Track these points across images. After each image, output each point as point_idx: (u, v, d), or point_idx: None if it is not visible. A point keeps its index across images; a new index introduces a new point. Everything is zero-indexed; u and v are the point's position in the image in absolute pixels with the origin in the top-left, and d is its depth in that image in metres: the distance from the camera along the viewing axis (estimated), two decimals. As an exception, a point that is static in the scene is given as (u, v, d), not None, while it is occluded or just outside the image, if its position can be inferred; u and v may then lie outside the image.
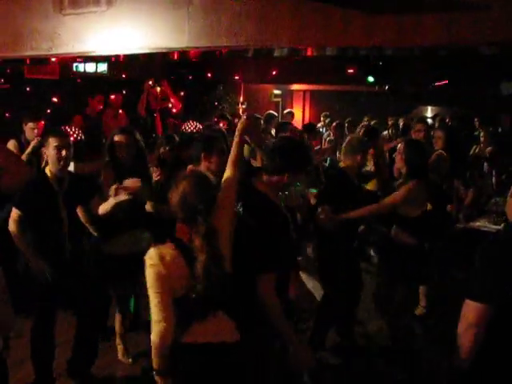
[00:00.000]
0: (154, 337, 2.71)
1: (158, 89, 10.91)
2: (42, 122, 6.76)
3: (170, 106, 11.19)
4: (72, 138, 7.44)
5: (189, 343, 2.79)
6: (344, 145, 5.21)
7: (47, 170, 4.38)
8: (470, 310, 2.48)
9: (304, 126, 9.41)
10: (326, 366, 4.99)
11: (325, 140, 10.50)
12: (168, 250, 2.76)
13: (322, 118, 12.68)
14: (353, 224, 4.98)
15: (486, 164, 8.18)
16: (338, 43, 4.46)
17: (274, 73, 11.80)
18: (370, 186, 6.22)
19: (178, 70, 11.02)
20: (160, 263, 2.70)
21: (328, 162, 9.46)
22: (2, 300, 2.59)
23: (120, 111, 9.82)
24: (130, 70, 10.56)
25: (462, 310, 2.52)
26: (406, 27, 4.09)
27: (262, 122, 10.15)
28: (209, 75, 11.70)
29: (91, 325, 4.56)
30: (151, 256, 2.74)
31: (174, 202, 2.85)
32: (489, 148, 8.39)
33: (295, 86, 16.10)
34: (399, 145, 5.15)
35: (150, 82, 10.87)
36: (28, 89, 9.22)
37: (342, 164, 5.15)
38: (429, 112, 15.62)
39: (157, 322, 2.70)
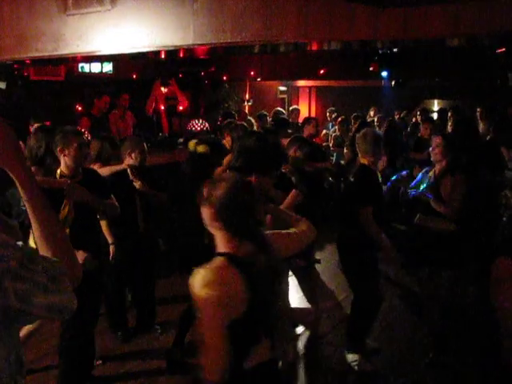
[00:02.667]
0: (210, 376, 2.24)
1: (163, 88, 10.92)
2: (49, 123, 6.77)
3: (176, 104, 11.21)
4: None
5: (251, 368, 2.40)
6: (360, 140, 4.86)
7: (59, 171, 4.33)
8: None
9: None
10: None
11: (331, 136, 10.49)
12: (225, 268, 2.27)
13: (327, 114, 12.64)
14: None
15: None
16: (344, 37, 4.45)
17: (278, 69, 11.78)
18: None
19: (183, 68, 11.01)
20: (221, 288, 2.20)
21: (335, 156, 9.47)
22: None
23: (127, 111, 9.83)
24: (136, 70, 10.57)
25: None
26: (412, 20, 4.07)
27: (268, 119, 10.18)
28: (214, 73, 11.70)
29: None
30: (208, 281, 2.21)
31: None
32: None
33: (301, 83, 16.07)
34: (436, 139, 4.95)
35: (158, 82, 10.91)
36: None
37: (362, 160, 4.64)
38: (435, 106, 15.57)
39: (214, 360, 2.23)
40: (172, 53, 5.81)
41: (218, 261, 2.29)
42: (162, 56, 6.12)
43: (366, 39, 4.40)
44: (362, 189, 4.49)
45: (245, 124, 6.75)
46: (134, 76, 10.75)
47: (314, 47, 4.92)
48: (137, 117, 10.19)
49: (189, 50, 5.26)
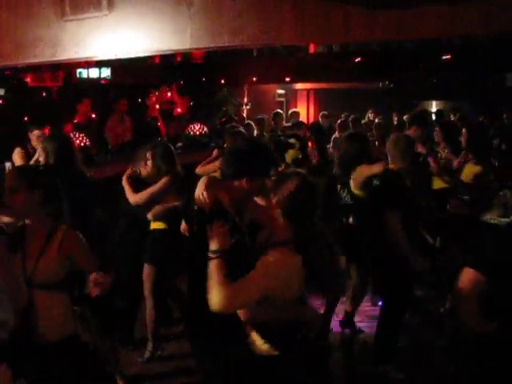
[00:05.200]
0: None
1: (157, 93, 10.94)
2: (47, 130, 6.79)
3: (172, 108, 11.22)
4: (79, 144, 7.53)
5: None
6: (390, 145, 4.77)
7: None
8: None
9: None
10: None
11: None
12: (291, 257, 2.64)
13: (320, 118, 12.21)
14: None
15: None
16: (340, 40, 4.46)
17: (274, 72, 11.75)
18: None
19: (182, 73, 11.02)
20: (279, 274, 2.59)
21: (335, 159, 9.43)
22: None
23: (125, 116, 9.84)
24: (133, 75, 10.57)
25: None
26: (408, 21, 4.08)
27: (266, 121, 10.21)
28: (212, 77, 11.71)
29: None
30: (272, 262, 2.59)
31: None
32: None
33: (299, 85, 16.10)
34: None
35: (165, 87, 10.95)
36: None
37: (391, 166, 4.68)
38: (433, 107, 15.59)
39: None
40: (170, 57, 5.83)
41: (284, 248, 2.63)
42: (161, 61, 6.13)
43: (363, 41, 4.41)
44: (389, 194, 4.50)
45: (242, 129, 6.76)
46: (133, 81, 10.76)
47: (311, 50, 4.94)
48: (135, 122, 10.19)
49: (186, 55, 5.26)
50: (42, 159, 4.22)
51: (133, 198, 4.89)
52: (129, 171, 5.11)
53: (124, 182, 5.02)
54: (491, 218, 6.40)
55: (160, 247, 4.78)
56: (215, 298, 2.48)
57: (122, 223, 5.16)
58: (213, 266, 2.53)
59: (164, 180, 4.86)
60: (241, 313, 2.67)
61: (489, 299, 2.81)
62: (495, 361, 2.87)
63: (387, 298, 4.75)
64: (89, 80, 9.91)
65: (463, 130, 6.29)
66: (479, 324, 2.85)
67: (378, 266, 4.72)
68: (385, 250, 4.50)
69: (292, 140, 5.52)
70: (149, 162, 4.98)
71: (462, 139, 6.25)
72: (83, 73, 9.81)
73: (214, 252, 2.54)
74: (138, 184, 4.99)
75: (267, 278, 2.54)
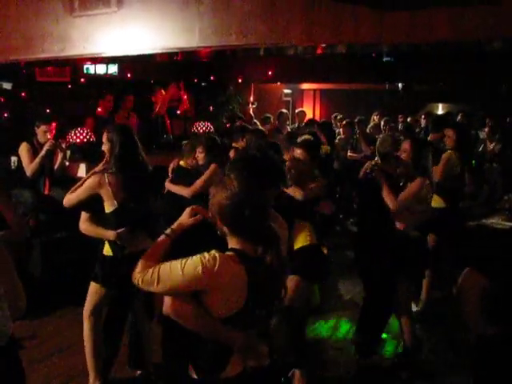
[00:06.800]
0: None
1: (163, 91, 10.92)
2: (54, 125, 6.78)
3: (177, 106, 11.20)
4: (83, 140, 7.53)
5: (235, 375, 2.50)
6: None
7: None
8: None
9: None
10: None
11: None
12: (233, 265, 2.41)
13: (333, 121, 12.25)
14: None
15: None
16: (349, 41, 4.45)
17: (281, 72, 11.73)
18: None
19: (189, 70, 11.01)
20: (213, 278, 2.37)
21: (340, 159, 9.48)
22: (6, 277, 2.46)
23: (132, 113, 9.84)
24: (141, 72, 10.57)
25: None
26: (417, 23, 4.07)
27: (270, 120, 10.25)
28: (219, 76, 11.69)
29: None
30: (209, 262, 2.37)
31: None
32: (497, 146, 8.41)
33: (305, 85, 16.07)
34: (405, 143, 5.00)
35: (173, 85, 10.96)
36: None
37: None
38: (439, 110, 15.54)
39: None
40: (177, 55, 5.83)
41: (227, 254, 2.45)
42: (169, 59, 6.13)
43: (372, 43, 4.40)
44: None
45: (263, 129, 6.87)
46: (140, 78, 10.76)
47: (319, 51, 4.92)
48: (141, 118, 10.19)
49: (194, 53, 5.27)
50: (106, 150, 4.23)
51: (187, 191, 5.21)
52: (175, 162, 5.61)
53: (168, 184, 5.44)
54: (496, 222, 6.41)
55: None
56: (136, 269, 2.51)
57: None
58: (157, 240, 2.60)
59: (213, 166, 5.25)
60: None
61: (491, 301, 2.83)
62: (496, 362, 2.88)
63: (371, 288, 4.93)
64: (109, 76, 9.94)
65: (450, 131, 6.19)
66: (481, 325, 2.87)
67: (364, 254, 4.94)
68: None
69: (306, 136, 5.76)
70: (201, 155, 5.35)
71: (447, 139, 6.20)
72: (90, 69, 9.81)
73: (169, 229, 2.62)
74: (184, 175, 5.42)
75: (188, 273, 2.37)
